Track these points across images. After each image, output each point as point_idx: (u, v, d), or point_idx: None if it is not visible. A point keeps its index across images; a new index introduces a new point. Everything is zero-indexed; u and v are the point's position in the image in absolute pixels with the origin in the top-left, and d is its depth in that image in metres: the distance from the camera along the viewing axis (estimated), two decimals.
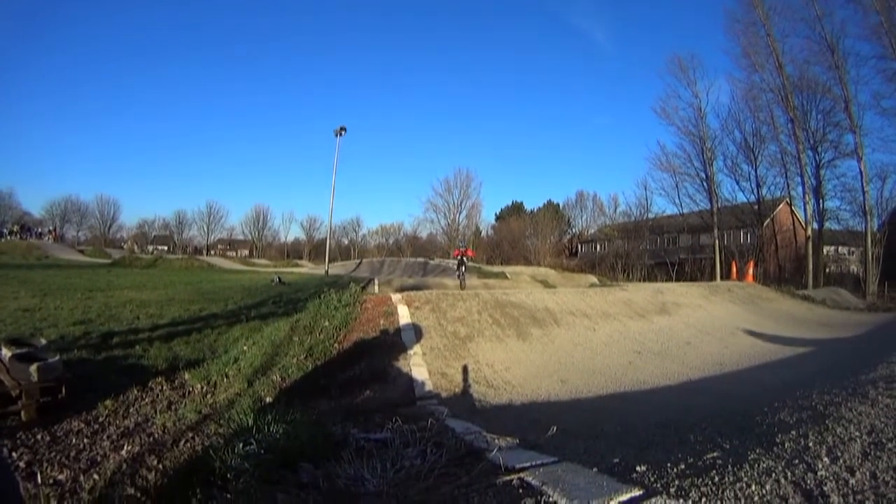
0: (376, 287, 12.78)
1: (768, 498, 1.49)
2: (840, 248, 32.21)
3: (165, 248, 67.27)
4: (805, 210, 28.62)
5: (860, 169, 25.48)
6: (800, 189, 28.89)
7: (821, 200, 27.79)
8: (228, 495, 2.06)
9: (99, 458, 3.94)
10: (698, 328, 7.75)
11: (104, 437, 4.37)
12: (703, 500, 1.53)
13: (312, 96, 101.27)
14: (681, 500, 1.55)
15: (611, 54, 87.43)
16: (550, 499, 1.68)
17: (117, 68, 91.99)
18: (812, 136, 27.72)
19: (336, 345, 5.77)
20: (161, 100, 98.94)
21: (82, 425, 4.57)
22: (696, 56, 34.16)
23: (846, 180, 26.81)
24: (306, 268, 40.32)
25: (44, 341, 5.55)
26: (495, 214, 67.53)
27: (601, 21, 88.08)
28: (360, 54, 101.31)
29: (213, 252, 67.87)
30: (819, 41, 26.29)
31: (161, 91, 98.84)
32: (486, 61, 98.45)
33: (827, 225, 28.33)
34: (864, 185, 25.40)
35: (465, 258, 15.76)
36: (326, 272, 26.99)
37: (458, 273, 15.81)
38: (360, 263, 40.14)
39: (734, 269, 18.96)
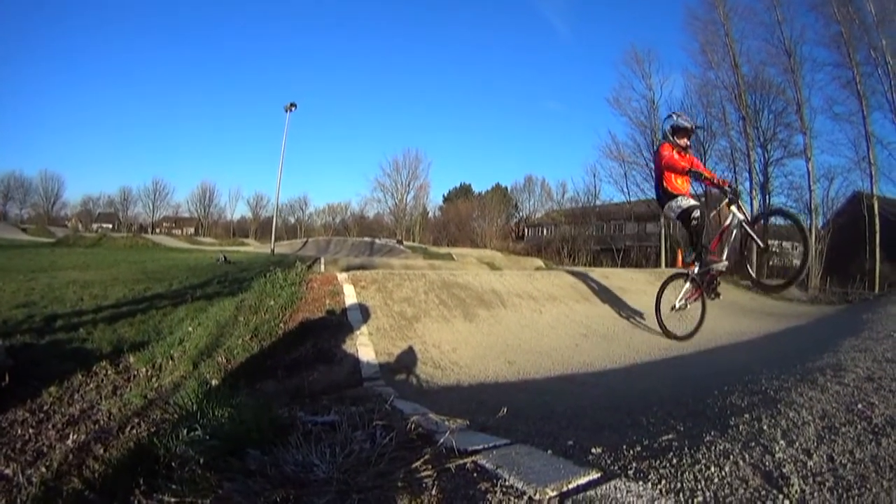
0: (322, 266, 12.58)
1: (728, 479, 1.47)
2: (784, 243, 33.68)
3: (110, 225, 64.80)
4: (751, 205, 29.74)
5: (808, 169, 26.71)
6: (747, 184, 29.94)
7: (767, 196, 28.95)
8: (173, 485, 1.93)
9: (45, 449, 3.72)
10: (644, 313, 7.88)
11: (49, 426, 4.14)
12: (663, 481, 1.50)
13: (261, 71, 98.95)
14: (640, 483, 1.52)
15: (568, 40, 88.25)
16: (506, 482, 1.63)
17: (64, 42, 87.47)
18: (762, 134, 28.72)
19: (282, 325, 5.59)
20: (107, 72, 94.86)
21: (27, 414, 4.32)
22: (652, 50, 34.73)
23: (793, 178, 27.97)
24: (252, 246, 39.67)
25: None
26: (443, 196, 68.04)
27: (561, 5, 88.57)
28: (309, 32, 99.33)
29: (158, 230, 66.03)
30: (777, 45, 27.15)
31: (107, 64, 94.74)
32: (437, 39, 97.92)
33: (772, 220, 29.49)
34: (812, 184, 26.66)
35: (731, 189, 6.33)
36: (272, 251, 26.57)
37: (740, 242, 6.48)
38: (306, 242, 39.68)
39: (679, 258, 19.44)
